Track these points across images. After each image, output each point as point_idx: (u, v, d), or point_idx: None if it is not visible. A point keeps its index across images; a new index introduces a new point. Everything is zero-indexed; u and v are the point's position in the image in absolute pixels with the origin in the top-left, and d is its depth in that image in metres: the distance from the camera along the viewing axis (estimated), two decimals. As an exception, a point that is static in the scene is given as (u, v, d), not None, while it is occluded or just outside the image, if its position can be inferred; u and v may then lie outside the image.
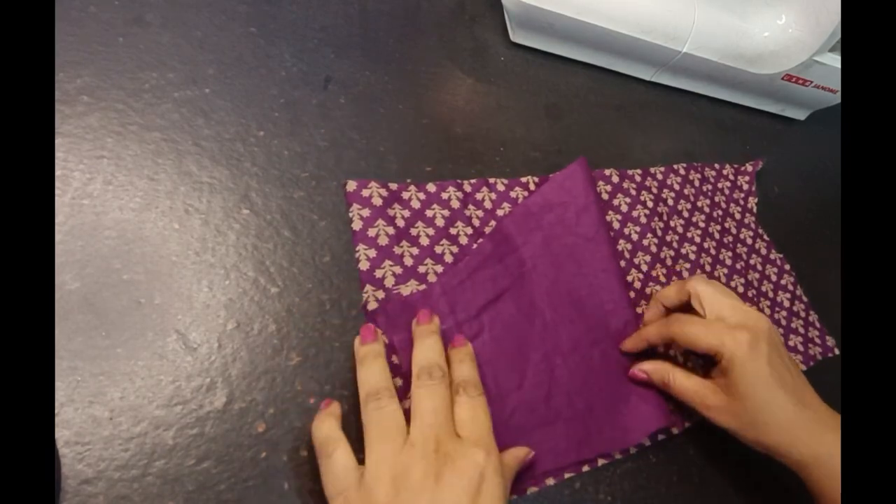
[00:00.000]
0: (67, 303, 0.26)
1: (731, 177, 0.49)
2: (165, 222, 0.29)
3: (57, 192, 0.28)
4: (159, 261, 0.28)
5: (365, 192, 0.33)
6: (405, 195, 0.34)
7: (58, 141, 0.29)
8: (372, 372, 0.27)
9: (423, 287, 0.32)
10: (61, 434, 0.24)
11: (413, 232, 0.33)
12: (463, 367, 0.29)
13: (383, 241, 0.32)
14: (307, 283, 0.30)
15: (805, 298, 0.46)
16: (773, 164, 0.52)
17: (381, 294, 0.31)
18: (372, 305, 0.31)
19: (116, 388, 0.25)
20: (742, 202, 0.48)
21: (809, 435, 0.29)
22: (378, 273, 0.31)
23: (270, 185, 0.32)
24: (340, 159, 0.34)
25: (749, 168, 0.50)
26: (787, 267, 0.47)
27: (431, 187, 0.35)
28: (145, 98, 0.31)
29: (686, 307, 0.34)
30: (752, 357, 0.30)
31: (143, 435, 0.25)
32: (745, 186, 0.49)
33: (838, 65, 0.46)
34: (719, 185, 0.48)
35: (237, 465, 0.25)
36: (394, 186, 0.34)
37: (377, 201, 0.33)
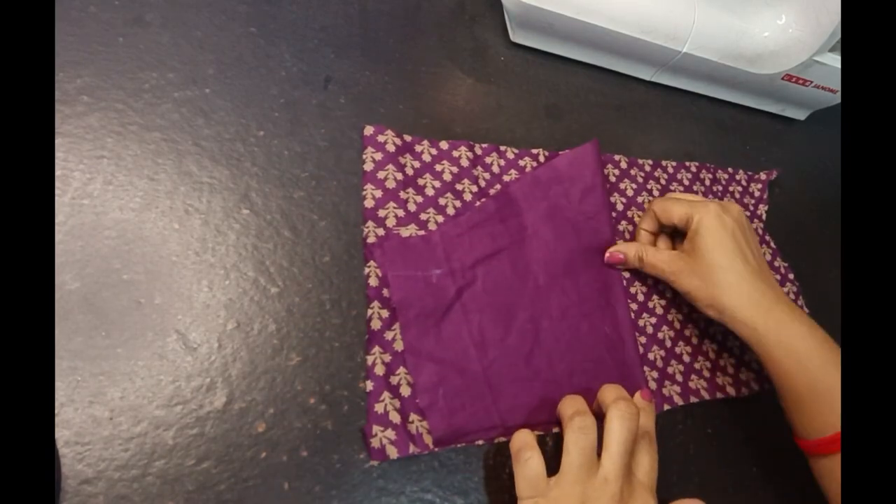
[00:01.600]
0: (67, 303, 0.26)
1: (744, 182, 0.49)
2: (165, 222, 0.29)
3: (57, 192, 0.28)
4: (159, 261, 0.28)
5: (380, 138, 0.35)
6: (418, 148, 0.36)
7: (58, 141, 0.29)
8: (579, 398, 0.31)
9: (422, 233, 0.33)
10: (61, 434, 0.24)
11: (420, 182, 0.35)
12: (649, 418, 0.31)
13: (391, 184, 0.34)
14: (307, 283, 0.30)
15: (806, 310, 0.46)
16: (773, 164, 0.52)
17: (381, 231, 0.32)
18: (371, 239, 0.32)
19: (116, 388, 0.25)
20: (752, 208, 0.48)
21: (760, 300, 0.32)
22: (381, 213, 0.33)
23: (270, 185, 0.32)
24: (340, 159, 0.34)
25: (762, 177, 0.50)
26: (791, 276, 0.47)
27: (444, 144, 0.37)
28: (145, 98, 0.31)
29: (667, 228, 0.38)
30: (717, 224, 0.33)
31: (143, 435, 0.25)
32: (757, 194, 0.49)
33: (838, 65, 0.46)
34: (730, 189, 0.48)
35: (237, 465, 0.25)
36: (408, 138, 0.36)
37: (391, 148, 0.34)
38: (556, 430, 0.32)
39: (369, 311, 0.30)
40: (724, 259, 0.32)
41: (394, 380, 0.29)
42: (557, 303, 0.35)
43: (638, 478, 0.28)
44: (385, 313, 0.30)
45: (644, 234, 0.38)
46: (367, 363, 0.29)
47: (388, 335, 0.30)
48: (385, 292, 0.31)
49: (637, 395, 0.33)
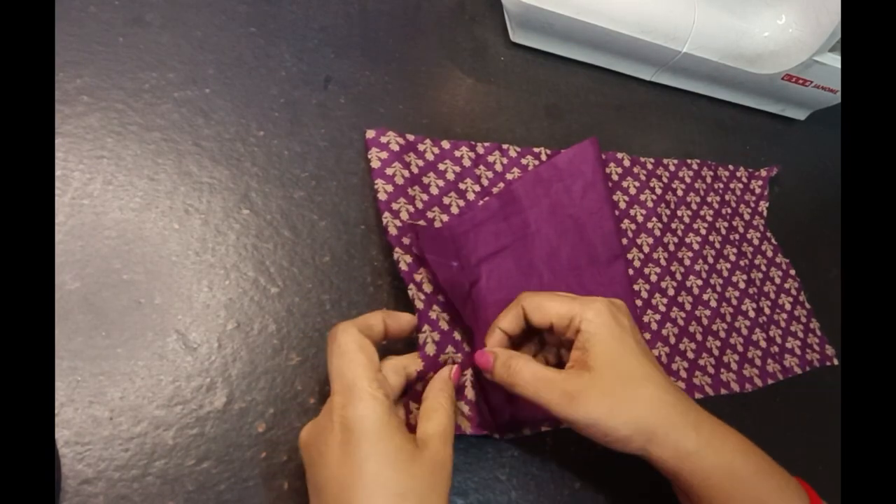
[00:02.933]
0: (67, 303, 0.26)
1: (745, 179, 0.49)
2: (165, 222, 0.29)
3: (57, 192, 0.28)
4: (159, 261, 0.28)
5: (383, 139, 0.35)
6: (420, 147, 0.36)
7: (58, 141, 0.29)
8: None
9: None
10: (61, 434, 0.24)
11: (425, 180, 0.35)
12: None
13: (399, 180, 0.34)
14: (307, 283, 0.30)
15: (808, 305, 0.46)
16: (773, 163, 0.52)
17: (398, 222, 0.32)
18: (392, 231, 0.31)
19: (116, 388, 0.25)
20: (753, 205, 0.48)
21: (687, 415, 0.24)
22: (395, 206, 0.33)
23: (270, 185, 0.32)
24: (340, 159, 0.34)
25: (763, 173, 0.50)
26: (793, 272, 0.47)
27: (446, 144, 0.37)
28: (145, 98, 0.31)
29: (531, 331, 0.29)
30: (614, 324, 0.25)
31: (143, 435, 0.25)
32: (758, 190, 0.49)
33: (838, 65, 0.46)
34: (731, 186, 0.48)
35: (237, 465, 0.25)
36: (411, 137, 0.36)
37: (394, 147, 0.35)
38: (562, 426, 0.32)
39: (410, 293, 0.30)
40: (637, 367, 0.25)
41: (443, 359, 0.29)
42: None
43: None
44: (422, 295, 0.30)
45: (500, 336, 0.28)
46: (419, 342, 0.28)
47: (432, 314, 0.30)
48: (417, 277, 0.30)
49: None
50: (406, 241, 0.31)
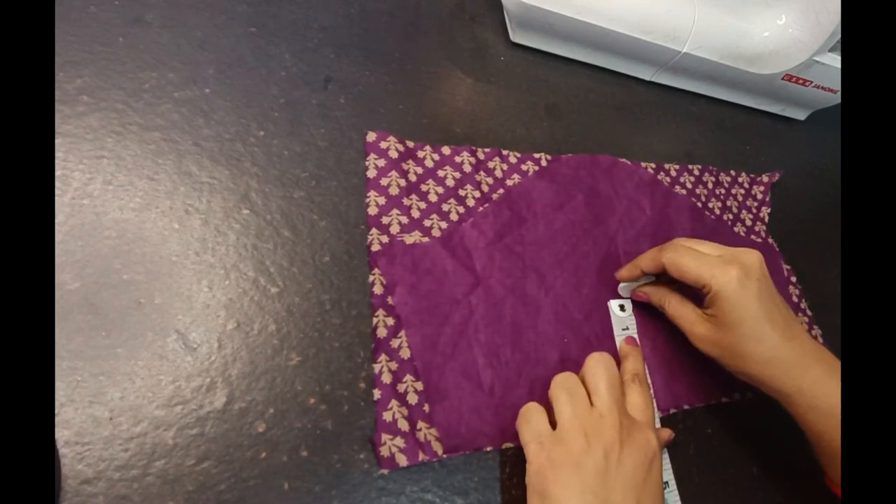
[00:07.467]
0: (67, 303, 0.26)
1: (746, 185, 0.49)
2: (165, 222, 0.29)
3: (57, 192, 0.28)
4: (159, 261, 0.28)
5: (383, 145, 0.35)
6: (420, 154, 0.36)
7: (58, 141, 0.29)
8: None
9: (426, 239, 0.33)
10: (61, 434, 0.24)
11: (423, 188, 0.35)
12: (636, 361, 0.33)
13: (394, 190, 0.34)
14: (307, 283, 0.30)
15: (809, 312, 0.45)
16: (773, 164, 0.52)
17: (385, 238, 0.32)
18: (375, 247, 0.32)
19: (116, 388, 0.25)
20: (755, 210, 0.48)
21: (793, 367, 0.30)
22: (385, 220, 0.33)
23: (270, 185, 0.32)
24: (340, 159, 0.34)
25: (765, 179, 0.50)
26: (794, 279, 0.47)
27: (446, 150, 0.37)
28: (145, 98, 0.31)
29: (665, 275, 0.34)
30: (741, 291, 0.30)
31: (143, 435, 0.25)
32: (759, 196, 0.49)
33: (838, 65, 0.46)
34: (733, 191, 0.48)
35: (237, 465, 0.25)
36: (411, 144, 0.36)
37: (393, 154, 0.35)
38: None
39: (374, 320, 0.30)
40: (753, 331, 0.30)
41: (401, 387, 0.29)
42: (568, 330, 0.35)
43: (634, 416, 0.29)
44: (390, 321, 0.30)
45: (639, 272, 0.35)
46: (374, 371, 0.29)
47: (395, 343, 0.30)
48: (389, 300, 0.31)
49: (621, 342, 0.35)
50: (383, 262, 0.31)
